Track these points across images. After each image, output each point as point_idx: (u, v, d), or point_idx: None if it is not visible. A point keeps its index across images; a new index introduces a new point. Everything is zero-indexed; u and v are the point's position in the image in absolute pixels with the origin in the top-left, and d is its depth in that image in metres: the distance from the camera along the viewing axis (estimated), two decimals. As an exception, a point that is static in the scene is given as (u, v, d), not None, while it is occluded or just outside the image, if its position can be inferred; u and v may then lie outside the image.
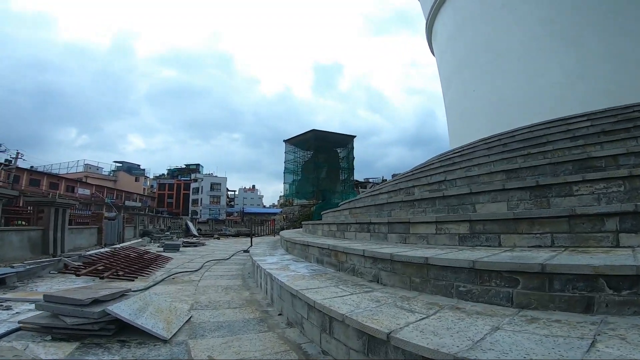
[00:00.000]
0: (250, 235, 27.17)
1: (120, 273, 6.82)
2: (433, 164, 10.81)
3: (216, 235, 22.23)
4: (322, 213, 14.87)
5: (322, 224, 8.45)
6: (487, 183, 5.60)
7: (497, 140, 9.61)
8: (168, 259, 10.22)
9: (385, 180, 79.41)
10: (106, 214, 30.61)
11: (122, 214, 29.66)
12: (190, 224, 24.76)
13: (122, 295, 3.93)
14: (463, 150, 10.59)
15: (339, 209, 10.80)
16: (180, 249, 13.05)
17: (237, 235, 25.82)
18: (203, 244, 15.36)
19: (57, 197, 27.33)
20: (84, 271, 6.64)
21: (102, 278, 6.39)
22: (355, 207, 8.54)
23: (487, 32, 14.42)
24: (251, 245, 12.66)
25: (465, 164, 7.82)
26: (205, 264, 9.19)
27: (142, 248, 13.57)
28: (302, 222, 14.39)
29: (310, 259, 5.93)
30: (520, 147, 7.13)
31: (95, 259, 8.32)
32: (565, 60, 10.92)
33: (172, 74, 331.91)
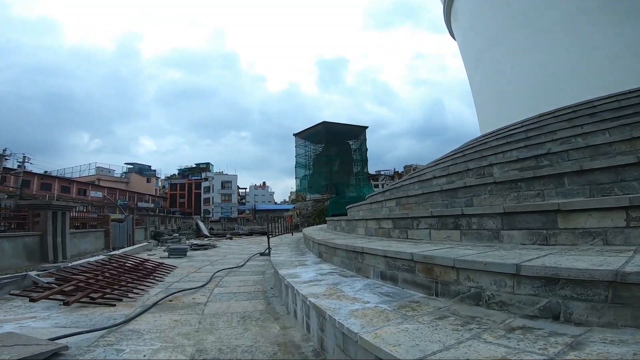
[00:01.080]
0: (266, 234, 25.35)
1: (96, 296, 4.90)
2: (488, 141, 8.73)
3: (229, 235, 20.43)
4: (348, 207, 13.05)
5: (365, 219, 6.45)
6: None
7: (572, 111, 7.54)
8: (171, 268, 8.35)
9: (398, 172, 77.04)
10: (113, 216, 29.19)
11: (131, 216, 28.18)
12: (201, 224, 23.03)
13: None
14: (526, 124, 8.49)
15: (375, 200, 8.80)
16: (188, 253, 11.21)
17: (250, 234, 24.02)
18: (214, 246, 13.51)
19: (54, 199, 25.78)
20: (43, 295, 4.76)
21: (67, 304, 4.49)
22: (406, 197, 6.51)
23: (522, 6, 13.35)
24: (269, 247, 10.74)
25: (553, 136, 5.75)
26: (216, 274, 7.28)
27: (146, 254, 11.79)
28: (327, 218, 12.42)
29: (369, 273, 3.93)
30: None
31: (76, 272, 6.47)
32: (622, 33, 9.89)
33: (179, 75, 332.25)
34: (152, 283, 6.48)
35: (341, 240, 5.27)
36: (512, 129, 8.52)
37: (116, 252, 10.65)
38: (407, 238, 4.67)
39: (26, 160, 37.18)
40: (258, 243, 16.13)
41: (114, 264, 7.67)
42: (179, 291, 5.61)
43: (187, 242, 15.05)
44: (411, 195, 6.27)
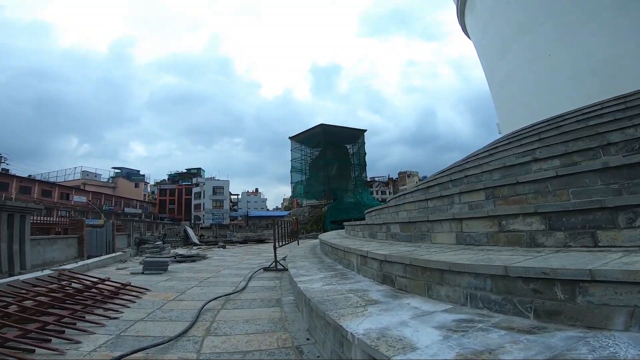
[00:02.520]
0: (262, 241, 22.61)
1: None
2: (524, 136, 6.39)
3: (221, 244, 17.58)
4: (367, 212, 10.63)
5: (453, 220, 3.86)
6: None
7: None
8: (140, 291, 5.61)
9: (392, 178, 74.97)
10: (90, 222, 25.98)
11: (112, 221, 25.01)
12: (190, 231, 20.13)
13: None
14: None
15: (407, 201, 6.25)
16: (170, 267, 8.43)
17: (245, 241, 21.18)
18: (204, 257, 10.73)
19: (12, 199, 22.59)
20: None
21: None
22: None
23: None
24: (275, 261, 8.08)
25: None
26: (206, 306, 4.58)
27: (115, 267, 8.96)
28: (346, 224, 9.88)
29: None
30: None
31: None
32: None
33: (173, 80, 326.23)
34: (97, 323, 3.77)
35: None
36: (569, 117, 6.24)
37: (69, 265, 7.83)
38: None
39: (2, 162, 33.73)
40: (256, 253, 13.36)
41: (49, 288, 4.93)
42: (136, 351, 2.93)
43: (172, 251, 12.22)
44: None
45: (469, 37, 22.24)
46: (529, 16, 13.91)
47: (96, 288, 5.43)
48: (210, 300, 4.79)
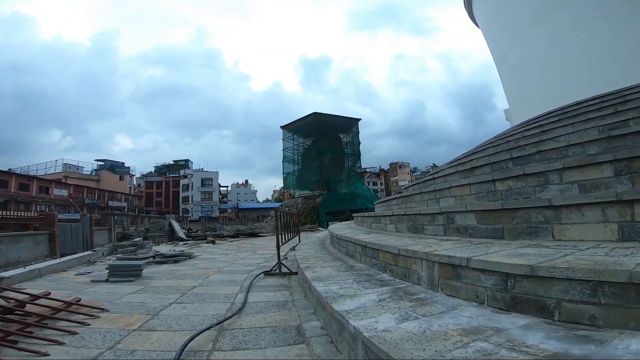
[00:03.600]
0: (256, 235, 20.71)
1: None
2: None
3: (210, 238, 15.69)
4: (377, 203, 9.01)
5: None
6: None
7: None
8: (92, 313, 3.80)
9: (384, 169, 73.61)
10: (64, 216, 23.63)
11: (89, 215, 22.71)
12: (176, 224, 18.14)
13: None
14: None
15: (455, 184, 4.61)
16: (146, 271, 6.58)
17: (236, 235, 19.31)
18: (189, 257, 8.88)
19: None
20: None
21: None
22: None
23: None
24: (280, 262, 6.34)
25: None
26: (190, 344, 2.81)
27: (75, 271, 7.06)
28: (364, 215, 8.23)
29: None
30: None
31: None
32: None
33: (158, 73, 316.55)
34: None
35: None
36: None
37: (13, 271, 5.92)
38: None
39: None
40: (251, 249, 11.56)
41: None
42: None
43: (153, 249, 10.32)
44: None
45: (476, 24, 21.01)
46: (544, 1, 12.91)
47: (22, 311, 3.59)
48: (196, 335, 3.00)
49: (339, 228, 8.36)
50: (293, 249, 10.46)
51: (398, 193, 10.36)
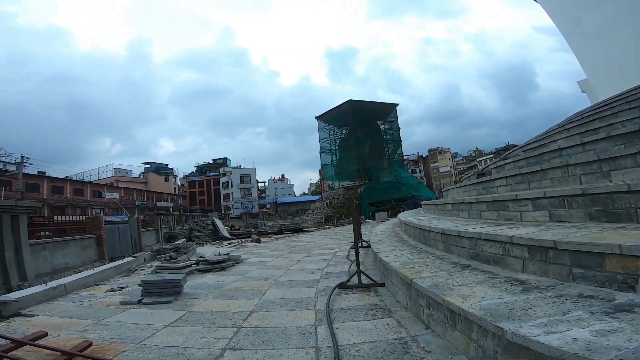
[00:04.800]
0: (301, 230, 19.28)
1: None
2: None
3: (255, 236, 14.44)
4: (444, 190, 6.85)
5: None
6: None
7: None
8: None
9: (422, 156, 69.91)
10: (107, 218, 23.58)
11: (136, 216, 22.48)
12: (219, 223, 17.16)
13: None
14: None
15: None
16: (187, 286, 5.21)
17: (280, 231, 18.02)
18: (237, 261, 7.50)
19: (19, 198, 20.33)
20: None
21: None
22: None
23: None
24: (360, 270, 4.69)
25: None
26: None
27: (107, 286, 5.85)
28: (424, 203, 6.40)
29: None
30: None
31: None
32: None
33: (192, 76, 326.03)
34: None
35: None
36: None
37: (35, 288, 4.76)
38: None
39: (25, 162, 32.16)
40: (304, 249, 10.03)
41: None
42: None
43: (195, 253, 9.10)
44: None
45: None
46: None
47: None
48: None
49: (430, 219, 6.52)
50: (352, 247, 8.81)
51: (479, 176, 8.33)
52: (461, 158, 77.50)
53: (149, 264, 8.45)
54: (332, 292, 4.29)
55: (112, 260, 14.47)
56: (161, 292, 4.70)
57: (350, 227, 18.81)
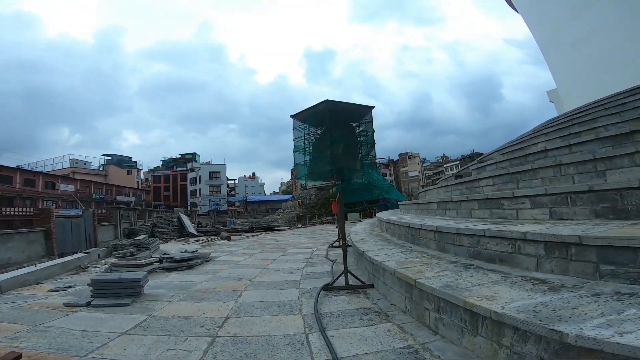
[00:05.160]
0: (272, 229, 18.52)
1: None
2: None
3: (224, 234, 13.63)
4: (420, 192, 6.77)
5: None
6: None
7: None
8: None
9: (393, 160, 71.18)
10: (61, 211, 21.68)
11: (91, 210, 20.71)
12: (185, 219, 16.09)
13: None
14: None
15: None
16: (152, 282, 4.52)
17: (251, 229, 17.26)
18: (206, 259, 6.81)
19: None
20: None
21: None
22: None
23: None
24: (347, 270, 4.24)
25: None
26: None
27: (48, 287, 5.00)
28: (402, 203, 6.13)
29: None
30: None
31: None
32: None
33: (165, 68, 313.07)
34: None
35: None
36: None
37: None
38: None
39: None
40: (278, 248, 9.45)
41: None
42: None
43: (159, 250, 8.27)
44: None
45: (510, 4, 18.74)
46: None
47: None
48: None
49: (409, 218, 6.19)
50: (332, 245, 8.38)
51: (457, 177, 8.22)
52: (429, 164, 79.81)
53: (103, 261, 7.52)
54: (319, 294, 3.81)
55: (62, 256, 13.04)
56: (116, 292, 4.00)
57: (324, 226, 18.39)
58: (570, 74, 14.89)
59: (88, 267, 6.97)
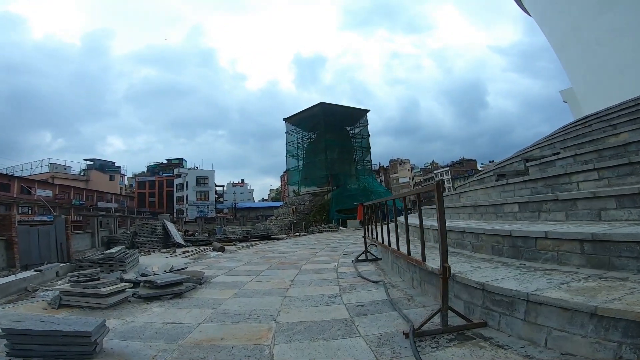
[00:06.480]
0: (269, 237, 16.52)
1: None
2: None
3: (217, 244, 11.67)
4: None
5: None
6: None
7: None
8: None
9: (384, 166, 70.10)
10: (37, 218, 19.21)
11: (63, 216, 18.33)
12: (171, 226, 14.04)
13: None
14: None
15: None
16: (110, 338, 2.68)
17: (246, 238, 15.32)
18: (199, 281, 4.96)
19: None
20: None
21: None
22: None
23: None
24: (445, 305, 2.54)
25: None
26: None
27: None
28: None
29: None
30: None
31: None
32: None
33: (153, 73, 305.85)
34: None
35: None
36: None
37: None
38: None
39: None
40: (287, 262, 7.58)
41: None
42: None
43: (137, 266, 6.33)
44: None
45: (520, 4, 17.86)
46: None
47: None
48: None
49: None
50: (357, 259, 6.64)
51: (500, 177, 6.66)
52: (419, 170, 79.12)
53: (60, 282, 5.56)
54: (415, 345, 2.07)
55: (26, 268, 10.89)
56: (50, 353, 2.16)
57: (327, 234, 16.54)
58: (589, 73, 13.88)
59: (37, 290, 5.02)
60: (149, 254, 10.61)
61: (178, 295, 4.30)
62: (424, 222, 3.39)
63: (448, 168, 67.13)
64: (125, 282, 4.78)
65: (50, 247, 14.68)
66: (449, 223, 3.30)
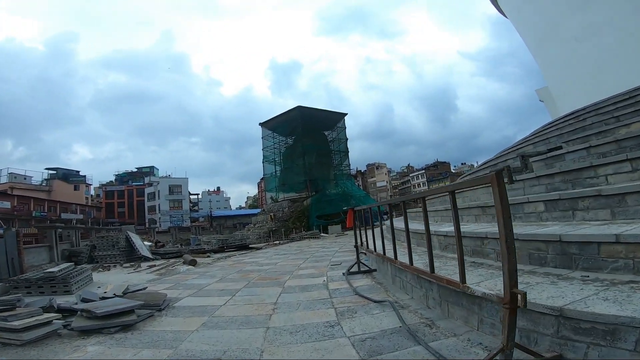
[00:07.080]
0: (247, 247, 15.27)
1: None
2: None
3: (188, 256, 10.44)
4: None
5: None
6: None
7: None
8: None
9: (361, 171, 70.04)
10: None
11: (14, 229, 16.38)
12: (136, 238, 12.52)
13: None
14: None
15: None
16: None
17: (222, 248, 14.09)
18: (157, 307, 3.96)
19: None
20: None
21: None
22: None
23: None
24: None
25: None
26: None
27: None
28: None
29: None
30: None
31: None
32: None
33: (121, 78, 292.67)
34: None
35: None
36: None
37: None
38: None
39: None
40: (267, 277, 6.55)
41: None
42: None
43: (88, 285, 5.18)
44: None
45: (496, 6, 17.86)
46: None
47: None
48: None
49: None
50: (349, 271, 5.76)
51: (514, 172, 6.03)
52: (395, 174, 79.78)
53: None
54: None
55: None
56: None
57: (308, 242, 15.57)
58: (566, 71, 13.86)
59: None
60: (108, 270, 9.25)
61: (127, 328, 3.25)
62: (419, 227, 2.60)
63: (423, 171, 68.02)
64: (59, 310, 3.68)
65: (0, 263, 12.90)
66: (451, 227, 2.49)
